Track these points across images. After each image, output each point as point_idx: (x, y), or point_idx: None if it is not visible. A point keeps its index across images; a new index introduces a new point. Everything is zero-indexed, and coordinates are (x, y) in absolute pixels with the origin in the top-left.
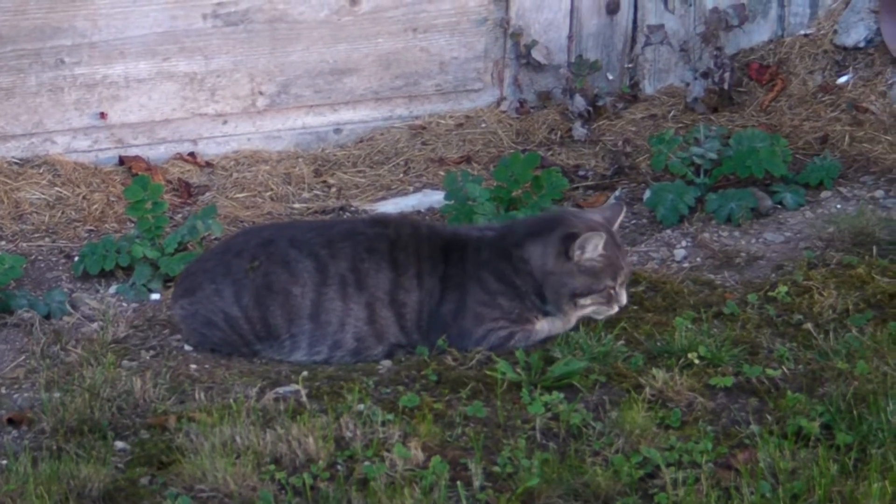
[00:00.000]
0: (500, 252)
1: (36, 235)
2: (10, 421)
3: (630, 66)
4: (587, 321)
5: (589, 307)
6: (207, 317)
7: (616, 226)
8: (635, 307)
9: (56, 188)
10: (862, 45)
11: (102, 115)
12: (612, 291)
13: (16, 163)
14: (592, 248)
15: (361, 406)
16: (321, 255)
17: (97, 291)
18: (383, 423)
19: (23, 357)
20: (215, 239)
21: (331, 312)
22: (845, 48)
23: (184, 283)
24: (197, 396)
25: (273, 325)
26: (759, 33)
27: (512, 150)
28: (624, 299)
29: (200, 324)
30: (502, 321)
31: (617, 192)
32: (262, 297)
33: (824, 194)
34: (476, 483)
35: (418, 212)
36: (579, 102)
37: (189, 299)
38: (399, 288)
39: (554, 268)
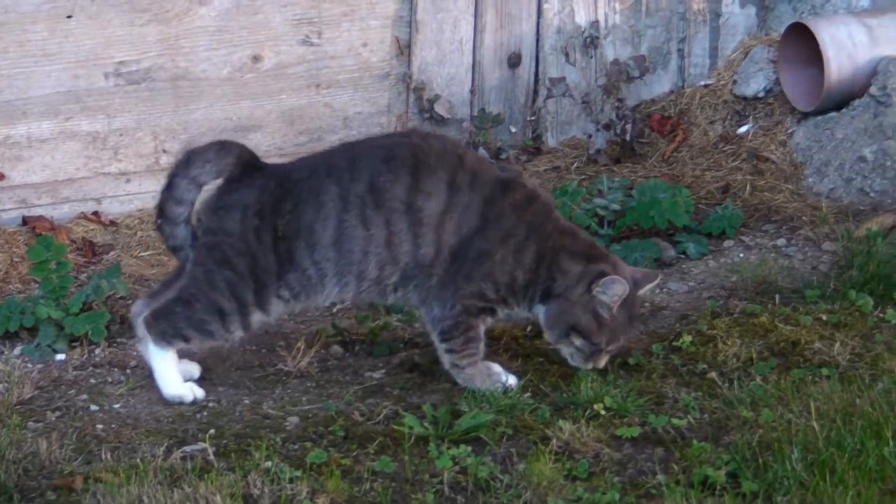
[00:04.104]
0: (559, 236)
1: None
2: None
3: (532, 118)
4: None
5: (572, 349)
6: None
7: (644, 290)
8: (541, 359)
9: None
10: (761, 94)
11: (1, 177)
12: (600, 351)
13: None
14: (612, 294)
15: (269, 463)
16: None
17: (1, 353)
18: (291, 480)
19: None
20: (120, 298)
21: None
22: (745, 98)
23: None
24: (104, 456)
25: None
26: (660, 84)
27: None
28: (602, 364)
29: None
30: (495, 295)
31: None
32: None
33: (727, 243)
34: None
35: None
36: (483, 155)
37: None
38: (418, 192)
39: (574, 294)
